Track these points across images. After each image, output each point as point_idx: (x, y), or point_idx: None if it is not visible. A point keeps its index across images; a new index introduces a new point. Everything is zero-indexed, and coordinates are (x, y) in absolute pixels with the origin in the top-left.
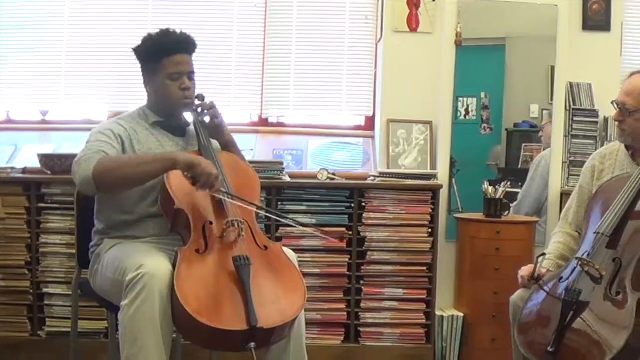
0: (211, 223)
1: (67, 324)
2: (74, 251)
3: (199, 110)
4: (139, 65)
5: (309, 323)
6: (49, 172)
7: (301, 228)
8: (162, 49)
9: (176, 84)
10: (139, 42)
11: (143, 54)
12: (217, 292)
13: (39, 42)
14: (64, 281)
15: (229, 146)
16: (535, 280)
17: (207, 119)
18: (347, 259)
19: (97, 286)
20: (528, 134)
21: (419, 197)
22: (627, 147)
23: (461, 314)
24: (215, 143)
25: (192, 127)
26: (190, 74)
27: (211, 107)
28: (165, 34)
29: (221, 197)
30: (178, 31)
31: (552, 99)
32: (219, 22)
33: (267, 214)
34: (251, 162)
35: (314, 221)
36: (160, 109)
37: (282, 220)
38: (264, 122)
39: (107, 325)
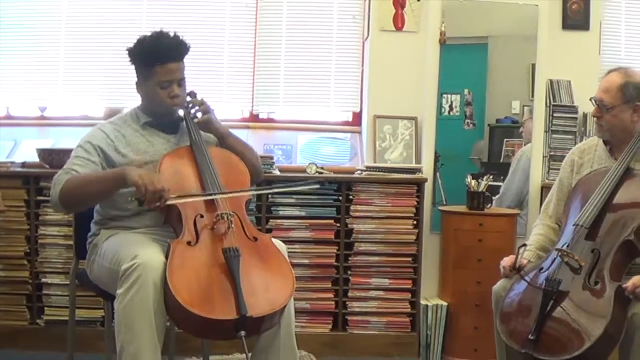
0: (202, 216)
1: (64, 313)
2: (71, 242)
3: (190, 106)
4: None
5: (298, 312)
6: (47, 166)
7: (291, 220)
8: (154, 57)
9: (166, 92)
10: (133, 44)
11: (135, 58)
12: (208, 282)
13: (37, 41)
14: (62, 271)
15: (225, 137)
16: (516, 270)
17: (198, 115)
18: (335, 250)
19: (94, 276)
20: (509, 130)
21: (404, 190)
22: (605, 142)
23: (445, 303)
24: (211, 137)
25: (184, 124)
26: (180, 81)
27: (201, 103)
28: (158, 39)
29: (174, 202)
30: (171, 34)
31: (532, 96)
32: (212, 21)
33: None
34: None
35: (303, 214)
36: (150, 110)
37: (255, 193)
38: (254, 117)
39: (104, 313)
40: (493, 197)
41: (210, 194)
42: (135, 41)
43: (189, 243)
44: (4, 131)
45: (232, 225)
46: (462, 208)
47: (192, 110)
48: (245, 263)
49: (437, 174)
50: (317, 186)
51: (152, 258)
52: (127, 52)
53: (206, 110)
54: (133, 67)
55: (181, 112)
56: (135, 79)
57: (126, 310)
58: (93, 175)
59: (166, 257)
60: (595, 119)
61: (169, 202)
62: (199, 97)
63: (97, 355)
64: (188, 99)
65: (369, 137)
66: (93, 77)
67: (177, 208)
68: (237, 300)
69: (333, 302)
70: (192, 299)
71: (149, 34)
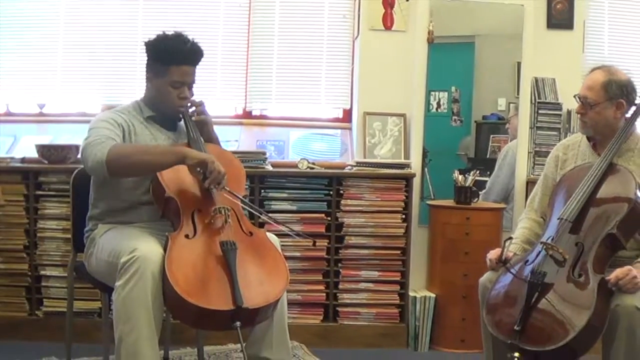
0: (199, 210)
1: (63, 304)
2: (69, 236)
3: (189, 105)
4: (140, 60)
5: (291, 303)
6: (46, 162)
7: (283, 215)
8: (174, 56)
9: (176, 92)
10: (152, 38)
11: (153, 52)
12: (205, 274)
13: (36, 40)
14: (60, 264)
15: (213, 142)
16: (502, 263)
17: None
18: (326, 243)
19: (92, 268)
20: (496, 126)
21: (393, 185)
22: (588, 139)
23: (433, 295)
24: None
25: (182, 123)
26: (190, 84)
27: (199, 104)
28: (180, 41)
29: (226, 194)
30: (191, 39)
31: (518, 93)
32: (206, 21)
33: (253, 211)
34: (236, 153)
35: (295, 208)
36: (155, 105)
37: (267, 219)
38: (247, 114)
39: (101, 305)
40: (479, 192)
41: (259, 212)
42: (155, 36)
43: (187, 236)
44: (4, 127)
45: (229, 220)
46: (450, 202)
47: (191, 110)
48: (241, 256)
49: (425, 169)
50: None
51: (150, 251)
52: (145, 45)
53: (203, 112)
54: (145, 60)
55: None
56: (145, 73)
57: (125, 302)
58: (150, 146)
59: (164, 250)
60: (579, 115)
61: (224, 189)
62: (196, 99)
63: (94, 346)
64: None
65: (359, 133)
66: (90, 75)
67: (176, 202)
68: (233, 291)
69: (324, 294)
70: (189, 289)
71: (170, 32)
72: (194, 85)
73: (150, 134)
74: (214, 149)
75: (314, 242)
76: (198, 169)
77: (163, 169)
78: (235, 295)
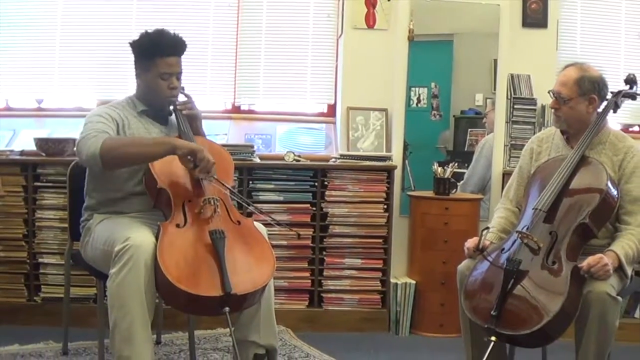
0: (190, 201)
1: (60, 291)
2: (66, 225)
3: (178, 97)
4: (132, 58)
5: (277, 289)
6: (44, 154)
7: (270, 205)
8: (158, 49)
9: (166, 83)
10: (136, 37)
11: (138, 49)
12: (195, 262)
13: (34, 38)
14: (58, 252)
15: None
16: (479, 251)
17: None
18: (311, 232)
19: (88, 256)
20: (473, 120)
21: (375, 177)
22: (562, 132)
23: (413, 282)
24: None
25: (173, 117)
26: (178, 74)
27: (189, 102)
28: (162, 34)
29: (212, 182)
30: (172, 32)
31: (495, 89)
32: (196, 19)
33: (241, 201)
34: (225, 146)
35: (281, 198)
36: (147, 100)
37: (254, 210)
38: (236, 109)
39: (96, 291)
40: (458, 183)
41: (235, 191)
42: (138, 35)
43: (177, 225)
44: (4, 122)
45: (218, 210)
46: (429, 193)
47: (179, 103)
48: (229, 244)
49: (406, 162)
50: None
51: (143, 240)
52: (129, 44)
53: (192, 107)
54: (129, 59)
55: (171, 107)
56: (135, 71)
57: (119, 289)
58: (142, 138)
59: (156, 239)
60: (553, 110)
61: (212, 177)
62: (187, 93)
63: (90, 330)
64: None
65: (343, 127)
66: (86, 71)
67: (167, 192)
68: (222, 278)
69: (309, 281)
70: (180, 276)
71: (151, 29)
72: (182, 77)
73: (143, 127)
74: (203, 142)
75: (299, 235)
76: (189, 157)
77: (155, 159)
78: (224, 281)
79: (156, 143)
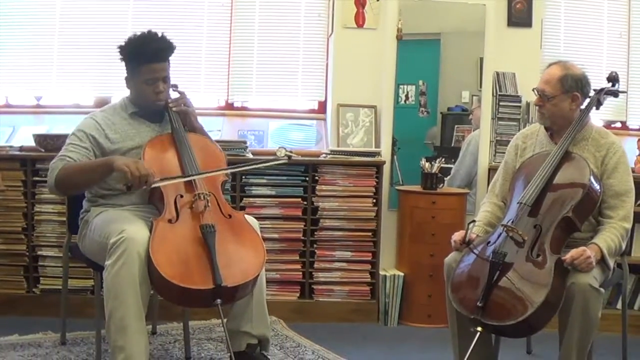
0: (182, 196)
1: (58, 282)
2: (64, 219)
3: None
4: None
5: (269, 281)
6: (42, 150)
7: (262, 199)
8: (142, 56)
9: (151, 88)
10: (124, 42)
11: (125, 55)
12: (187, 256)
13: (33, 37)
14: (56, 245)
15: (197, 133)
16: (466, 244)
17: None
18: (302, 226)
19: (85, 249)
20: (460, 117)
21: (365, 172)
22: (546, 129)
23: (402, 274)
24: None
25: (167, 114)
26: (165, 78)
27: (182, 98)
28: (145, 41)
29: (158, 185)
30: (159, 35)
31: (481, 86)
32: (191, 18)
33: (203, 174)
34: (218, 142)
35: (273, 193)
36: (137, 103)
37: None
38: (229, 106)
39: (94, 283)
40: (445, 178)
41: (189, 176)
42: (125, 40)
43: (169, 221)
44: (3, 118)
45: (209, 204)
46: (417, 188)
47: (171, 104)
48: (220, 238)
49: (395, 157)
50: (285, 161)
51: (137, 233)
52: (118, 49)
53: (186, 104)
54: (123, 62)
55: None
56: (125, 74)
57: (114, 280)
58: (85, 164)
59: (150, 232)
60: (537, 107)
61: (153, 185)
62: (180, 90)
63: (87, 321)
64: (171, 91)
65: (333, 123)
66: (84, 69)
67: (160, 189)
68: (213, 271)
69: (300, 273)
70: (173, 271)
71: (138, 33)
72: (176, 74)
73: (133, 128)
74: (193, 137)
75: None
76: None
77: (101, 180)
78: (215, 274)
79: (98, 165)
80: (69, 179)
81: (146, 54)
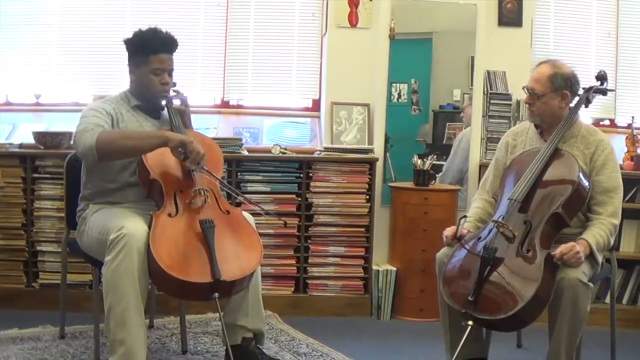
0: (181, 191)
1: (57, 277)
2: (63, 215)
3: (171, 92)
4: (125, 54)
5: (264, 276)
6: (42, 147)
7: (258, 195)
8: (150, 46)
9: (158, 79)
10: (131, 35)
11: (132, 46)
12: (186, 250)
13: (33, 36)
14: (55, 240)
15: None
16: (457, 239)
17: (177, 102)
18: (296, 222)
19: (84, 244)
20: (451, 115)
21: (358, 169)
22: (536, 126)
23: (394, 269)
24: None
25: (165, 112)
26: (170, 71)
27: (183, 96)
28: (155, 33)
29: (203, 173)
30: (164, 31)
31: (472, 85)
32: (188, 18)
33: (230, 191)
34: (214, 139)
35: (268, 189)
36: (140, 95)
37: (243, 200)
38: (225, 104)
39: (92, 278)
40: (437, 175)
41: (222, 179)
42: (132, 33)
43: (169, 215)
44: (3, 116)
45: (208, 200)
46: (410, 184)
47: (172, 95)
48: (219, 233)
49: (387, 154)
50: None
51: (136, 229)
52: (123, 41)
53: (184, 102)
54: (127, 56)
55: (164, 102)
56: (128, 68)
57: (113, 275)
58: (134, 132)
59: (149, 228)
60: (527, 105)
61: (200, 170)
62: (178, 89)
63: (86, 315)
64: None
65: (327, 121)
66: (82, 68)
67: (160, 183)
68: (211, 266)
69: (295, 268)
70: (172, 264)
71: (144, 28)
72: (174, 73)
73: (136, 121)
74: (194, 135)
75: (285, 223)
76: (180, 149)
77: (148, 151)
78: (214, 269)
79: (149, 136)
80: (115, 142)
81: (155, 44)
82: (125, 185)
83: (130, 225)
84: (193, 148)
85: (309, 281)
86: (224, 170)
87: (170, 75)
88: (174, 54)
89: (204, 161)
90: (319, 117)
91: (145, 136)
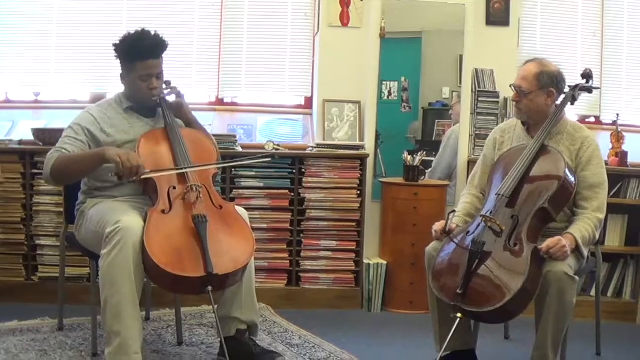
0: (174, 187)
1: (55, 270)
2: (61, 209)
3: (165, 93)
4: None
5: (258, 269)
6: (40, 144)
7: (251, 191)
8: (136, 53)
9: (145, 84)
10: (119, 40)
11: (120, 53)
12: (179, 245)
13: (32, 35)
14: (53, 234)
15: (191, 124)
16: (446, 233)
17: (172, 98)
18: (289, 216)
19: (81, 238)
20: (440, 112)
21: (349, 165)
22: (523, 123)
23: (385, 262)
24: (179, 122)
25: (160, 109)
26: (158, 74)
27: (176, 93)
28: (140, 38)
29: (149, 176)
30: (152, 33)
31: (460, 83)
32: (183, 17)
33: (187, 169)
34: None
35: (262, 185)
36: (132, 98)
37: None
38: (220, 101)
39: (90, 271)
40: (426, 171)
41: (179, 168)
42: (120, 38)
43: (163, 211)
44: (3, 113)
45: (201, 195)
46: (400, 180)
47: (167, 97)
48: (211, 228)
49: (378, 151)
50: (270, 159)
51: (132, 223)
52: (113, 47)
53: (179, 95)
54: (118, 60)
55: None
56: (120, 71)
57: (109, 268)
58: (78, 155)
59: (145, 222)
60: (514, 103)
61: (143, 176)
62: (173, 86)
63: (84, 307)
64: (164, 86)
65: (319, 118)
66: (80, 66)
67: (153, 180)
68: (204, 260)
69: (288, 261)
70: (166, 259)
71: (132, 32)
72: (168, 71)
73: (127, 122)
74: (186, 132)
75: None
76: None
77: (93, 170)
78: (206, 263)
79: (90, 156)
80: (64, 169)
81: (140, 51)
82: (120, 182)
83: (126, 220)
84: (122, 167)
85: (301, 274)
86: (219, 170)
87: (159, 78)
88: (168, 52)
89: (141, 170)
90: (311, 114)
91: (88, 157)
